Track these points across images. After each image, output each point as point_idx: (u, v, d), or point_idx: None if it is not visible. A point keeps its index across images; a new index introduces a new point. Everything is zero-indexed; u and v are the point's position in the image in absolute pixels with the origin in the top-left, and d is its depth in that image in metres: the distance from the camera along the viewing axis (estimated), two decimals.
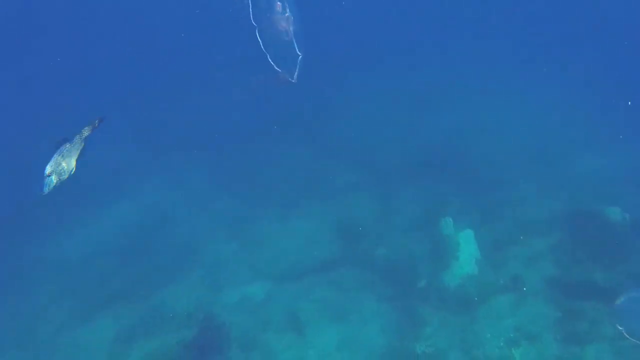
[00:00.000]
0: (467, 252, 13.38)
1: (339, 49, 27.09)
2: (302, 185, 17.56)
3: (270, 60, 10.66)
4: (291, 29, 10.37)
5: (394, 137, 19.66)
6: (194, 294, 13.54)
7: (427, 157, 18.11)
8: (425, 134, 19.79)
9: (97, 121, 5.32)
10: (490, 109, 21.48)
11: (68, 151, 5.01)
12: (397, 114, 21.29)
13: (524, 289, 12.64)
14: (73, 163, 5.12)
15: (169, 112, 23.63)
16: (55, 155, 5.00)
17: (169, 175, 19.36)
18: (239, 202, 17.13)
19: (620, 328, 10.79)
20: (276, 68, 10.68)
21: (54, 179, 5.06)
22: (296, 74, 10.68)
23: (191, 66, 27.88)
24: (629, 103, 20.27)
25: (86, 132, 5.18)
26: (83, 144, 5.16)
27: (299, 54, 10.64)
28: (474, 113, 21.17)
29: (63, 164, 5.01)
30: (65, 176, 5.16)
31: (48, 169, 5.06)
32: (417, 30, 31.10)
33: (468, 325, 12.13)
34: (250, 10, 10.43)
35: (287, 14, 10.34)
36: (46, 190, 5.17)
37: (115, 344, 12.35)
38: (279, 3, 10.46)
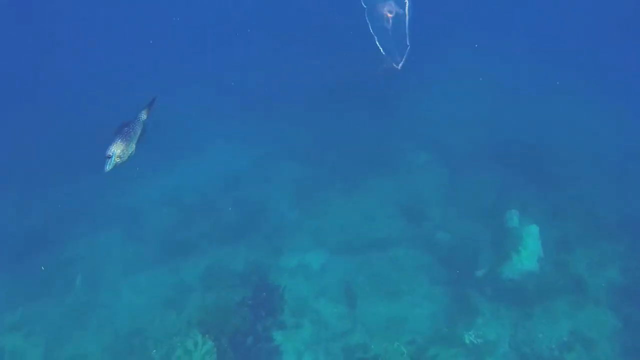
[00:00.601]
0: (529, 247, 13.12)
1: (437, 31, 26.54)
2: (370, 160, 17.56)
3: (377, 43, 10.73)
4: (405, 19, 10.39)
5: (470, 123, 19.31)
6: (253, 255, 13.91)
7: (501, 146, 17.73)
8: (502, 124, 19.35)
9: (151, 103, 5.52)
10: (575, 105, 20.72)
11: (127, 135, 5.27)
12: (477, 101, 20.83)
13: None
14: (133, 146, 5.38)
15: (252, 75, 23.94)
16: (116, 138, 5.26)
17: (240, 137, 19.72)
18: (307, 171, 17.34)
19: None
20: (382, 52, 10.75)
21: (114, 159, 5.32)
22: (402, 63, 10.74)
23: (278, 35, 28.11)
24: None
25: (143, 115, 5.42)
26: (142, 126, 5.39)
27: (408, 45, 10.67)
28: (556, 108, 20.48)
29: (123, 147, 5.26)
30: (126, 157, 5.42)
31: (109, 151, 5.33)
32: (512, 26, 30.17)
33: (521, 321, 11.99)
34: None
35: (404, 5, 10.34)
36: (107, 168, 5.41)
37: (173, 292, 12.90)
38: None
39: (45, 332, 11.71)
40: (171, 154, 18.82)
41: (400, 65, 10.59)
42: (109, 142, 5.16)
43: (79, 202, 17.03)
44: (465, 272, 13.30)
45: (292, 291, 12.71)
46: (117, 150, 5.29)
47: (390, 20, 10.59)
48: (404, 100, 21.06)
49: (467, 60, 25.25)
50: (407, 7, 10.56)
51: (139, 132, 5.40)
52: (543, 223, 13.91)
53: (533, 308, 12.18)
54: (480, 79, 22.40)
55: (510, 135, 18.43)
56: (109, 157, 5.34)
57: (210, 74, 25.07)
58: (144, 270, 13.96)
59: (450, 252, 14.02)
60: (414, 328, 12.22)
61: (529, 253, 13.01)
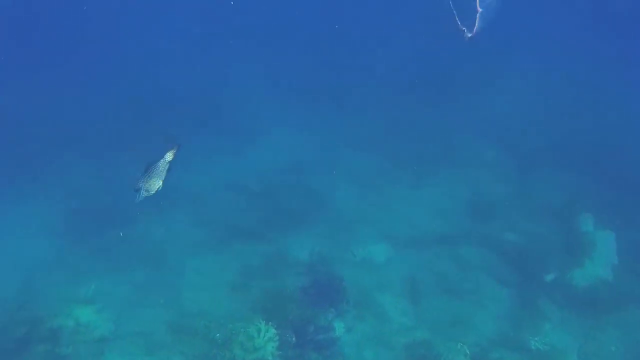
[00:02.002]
0: (604, 254, 12.63)
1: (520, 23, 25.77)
2: (439, 154, 17.27)
3: (452, 7, 10.50)
4: None
5: (545, 119, 18.65)
6: (317, 245, 13.90)
7: (578, 146, 17.07)
8: (581, 122, 18.61)
9: (176, 147, 5.95)
10: None
11: (154, 173, 5.84)
12: (555, 98, 20.05)
13: None
14: (160, 183, 5.93)
15: (320, 61, 23.87)
16: (144, 175, 5.86)
17: (307, 125, 19.73)
18: (374, 163, 17.21)
19: None
20: (457, 20, 10.51)
21: (143, 193, 5.91)
22: (475, 29, 10.45)
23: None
24: None
25: (169, 156, 5.84)
26: (168, 166, 5.83)
27: (479, 9, 10.37)
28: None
29: (150, 183, 5.85)
30: (153, 192, 5.99)
31: (137, 186, 5.93)
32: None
33: (592, 331, 11.57)
34: None
35: None
36: (137, 200, 6.07)
37: (237, 276, 13.03)
38: None
39: (115, 308, 12.04)
40: (236, 138, 19.01)
41: (474, 31, 10.27)
42: (138, 178, 5.75)
43: None
44: (534, 275, 12.95)
45: (356, 283, 12.67)
46: (145, 185, 5.90)
47: None
48: (474, 92, 20.54)
49: (545, 50, 24.28)
50: None
51: (164, 171, 5.93)
52: (619, 229, 13.37)
53: (606, 318, 11.73)
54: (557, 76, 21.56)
55: (589, 135, 17.72)
56: (138, 190, 5.95)
57: (278, 59, 25.07)
58: (209, 254, 14.12)
59: (519, 254, 13.67)
60: (478, 329, 11.98)
61: (602, 260, 12.53)
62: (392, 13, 28.19)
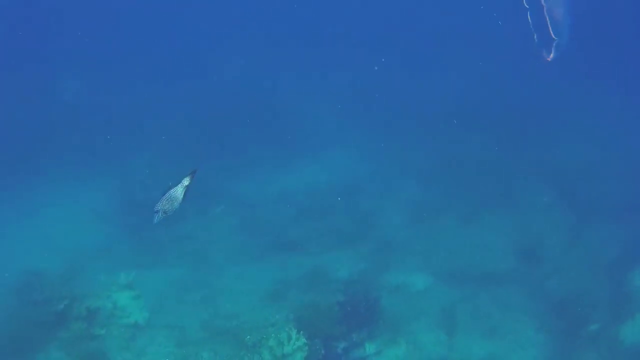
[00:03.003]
0: None
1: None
2: (492, 191, 16.93)
3: (535, 37, 10.54)
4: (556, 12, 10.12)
5: (608, 168, 18.03)
6: (359, 265, 13.86)
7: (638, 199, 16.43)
8: None
9: (192, 173, 6.55)
10: None
11: (172, 196, 6.25)
12: (620, 145, 19.34)
13: None
14: (176, 205, 6.33)
15: (381, 86, 23.90)
16: (162, 198, 6.26)
17: (362, 147, 19.76)
18: (425, 192, 17.06)
19: None
20: (535, 39, 10.55)
21: (161, 214, 6.29)
22: (551, 55, 10.46)
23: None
24: None
25: (186, 181, 6.32)
26: (184, 190, 6.29)
27: (555, 38, 10.37)
28: None
29: (168, 205, 6.25)
30: (171, 212, 6.42)
31: (156, 207, 6.32)
32: None
33: None
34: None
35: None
36: (155, 221, 6.42)
37: (275, 285, 13.09)
38: None
39: (152, 298, 12.27)
40: (292, 152, 19.23)
41: (551, 56, 10.25)
42: (157, 200, 6.21)
43: (202, 183, 17.68)
44: (577, 324, 12.45)
45: (393, 308, 12.52)
46: (163, 207, 6.31)
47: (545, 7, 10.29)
48: (543, 131, 20.11)
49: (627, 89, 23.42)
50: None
51: (181, 195, 6.34)
52: None
53: None
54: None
55: None
56: (157, 212, 6.35)
57: (341, 79, 25.22)
58: (250, 260, 14.32)
59: (562, 302, 13.21)
60: None
61: None
62: (461, 31, 27.98)
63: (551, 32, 10.47)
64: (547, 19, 10.42)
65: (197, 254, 14.64)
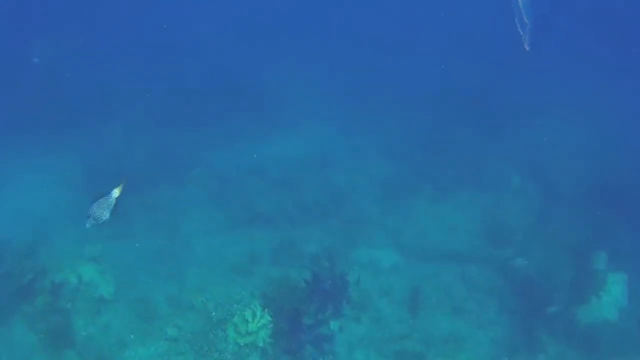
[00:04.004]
0: (613, 294, 12.41)
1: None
2: (464, 173, 17.05)
3: (517, 23, 10.52)
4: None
5: (577, 152, 18.22)
6: (327, 240, 13.94)
7: (606, 183, 16.64)
8: (614, 158, 18.16)
9: (123, 183, 6.69)
10: None
11: (102, 204, 6.58)
12: (592, 128, 19.51)
13: None
14: (107, 214, 6.65)
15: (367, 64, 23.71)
16: (93, 205, 6.59)
17: (339, 122, 19.67)
18: (398, 170, 17.11)
19: None
20: (520, 32, 10.52)
21: (91, 220, 6.65)
22: (526, 42, 10.46)
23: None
24: None
25: (116, 192, 6.64)
26: (115, 201, 6.61)
27: (527, 22, 10.36)
28: None
29: (98, 213, 6.58)
30: (101, 221, 6.72)
31: (88, 212, 6.65)
32: None
33: None
34: None
35: None
36: (87, 226, 6.74)
37: (243, 260, 13.11)
38: None
39: (119, 271, 12.22)
40: (267, 125, 19.05)
41: (526, 45, 10.29)
42: (88, 207, 6.53)
43: (174, 154, 17.56)
44: (537, 305, 12.77)
45: (358, 284, 12.65)
46: (94, 213, 6.63)
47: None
48: (516, 115, 20.18)
49: (597, 80, 23.57)
50: None
51: (111, 205, 6.63)
52: (633, 272, 13.13)
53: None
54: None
55: (620, 172, 17.30)
56: (88, 217, 6.66)
57: (320, 54, 25.01)
58: (219, 233, 14.28)
59: (526, 282, 13.51)
60: (473, 350, 11.92)
61: (610, 300, 12.31)
62: (445, 17, 27.78)
63: (524, 17, 10.44)
64: (520, 4, 10.38)
65: (167, 225, 14.53)
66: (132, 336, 10.79)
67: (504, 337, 12.25)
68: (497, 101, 20.84)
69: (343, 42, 25.61)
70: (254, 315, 10.66)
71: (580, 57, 24.37)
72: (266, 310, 10.75)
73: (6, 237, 12.24)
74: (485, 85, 21.67)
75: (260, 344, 10.57)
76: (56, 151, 16.81)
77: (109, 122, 18.61)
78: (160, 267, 12.87)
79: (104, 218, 6.84)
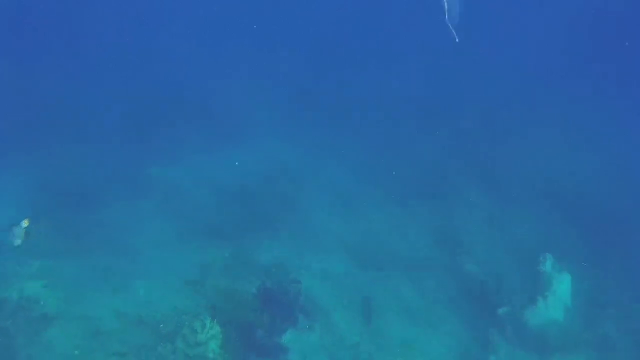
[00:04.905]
0: (558, 295, 12.70)
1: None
2: (418, 180, 17.29)
3: (446, 15, 10.68)
4: None
5: (528, 161, 18.71)
6: (278, 250, 13.86)
7: (556, 190, 17.15)
8: (563, 168, 18.71)
9: (29, 219, 7.05)
10: None
11: (15, 232, 7.32)
12: (541, 138, 20.08)
13: None
14: (19, 241, 7.40)
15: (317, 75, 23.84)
16: (8, 230, 7.32)
17: (292, 133, 19.68)
18: (352, 179, 17.24)
19: None
20: (448, 24, 10.69)
21: (9, 242, 7.48)
22: (455, 34, 10.63)
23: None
24: None
25: (24, 223, 7.39)
26: (25, 230, 7.38)
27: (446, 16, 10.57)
28: (628, 161, 19.64)
29: (13, 238, 7.31)
30: (15, 246, 7.56)
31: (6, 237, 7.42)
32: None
33: None
34: None
35: None
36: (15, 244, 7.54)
37: (193, 271, 12.88)
38: None
39: (65, 287, 11.85)
40: (221, 139, 18.95)
41: (455, 37, 10.47)
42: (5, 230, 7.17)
43: (125, 169, 17.28)
44: (488, 307, 12.97)
45: (311, 292, 12.63)
46: (9, 238, 7.40)
47: None
48: (471, 130, 20.58)
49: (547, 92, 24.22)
50: None
51: (22, 233, 7.29)
52: (578, 274, 13.47)
53: (551, 357, 11.76)
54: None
55: (571, 179, 17.83)
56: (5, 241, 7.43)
57: (274, 63, 25.01)
58: (169, 246, 14.05)
59: (477, 286, 13.75)
60: (425, 353, 11.97)
61: (556, 300, 12.59)
62: (406, 31, 28.28)
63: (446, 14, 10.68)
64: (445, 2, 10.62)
65: (116, 240, 14.23)
66: (76, 352, 10.45)
67: (457, 339, 12.35)
68: (456, 114, 21.29)
69: (296, 54, 25.76)
70: (203, 326, 10.50)
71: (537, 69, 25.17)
72: (215, 320, 10.60)
73: None
74: (446, 98, 22.18)
75: (210, 355, 10.39)
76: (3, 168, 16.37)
77: (54, 139, 18.19)
78: (107, 282, 12.53)
79: (16, 245, 7.21)
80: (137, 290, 12.17)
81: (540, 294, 12.65)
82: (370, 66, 25.40)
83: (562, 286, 12.73)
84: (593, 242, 15.39)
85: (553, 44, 28.81)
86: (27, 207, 14.19)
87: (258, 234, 14.44)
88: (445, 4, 10.36)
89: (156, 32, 27.64)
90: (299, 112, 20.88)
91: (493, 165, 18.66)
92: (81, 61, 23.57)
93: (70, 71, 22.42)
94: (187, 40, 26.91)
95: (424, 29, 26.37)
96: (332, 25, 29.62)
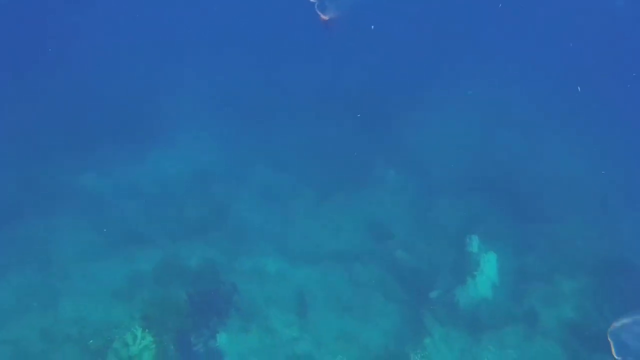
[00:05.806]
0: (485, 274, 13.10)
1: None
2: (344, 174, 17.39)
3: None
4: None
5: (453, 145, 19.10)
6: (209, 253, 13.68)
7: (478, 172, 17.61)
8: (483, 150, 19.22)
9: None
10: (563, 143, 20.55)
11: None
12: (465, 122, 20.52)
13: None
14: None
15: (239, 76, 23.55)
16: None
17: (216, 134, 19.39)
18: (278, 177, 17.15)
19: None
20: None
21: None
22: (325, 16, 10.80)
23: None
24: None
25: None
26: None
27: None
28: (547, 140, 20.34)
29: None
30: None
31: None
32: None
33: (469, 346, 11.92)
34: None
35: None
36: None
37: (123, 283, 12.60)
38: None
39: None
40: (142, 144, 18.42)
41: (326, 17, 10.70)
42: None
43: (46, 182, 16.61)
44: (420, 292, 13.24)
45: (244, 294, 12.55)
46: None
47: None
48: (392, 116, 20.81)
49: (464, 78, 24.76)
50: None
51: None
52: (503, 252, 13.92)
53: (482, 334, 12.11)
54: (470, 93, 21.88)
55: (493, 163, 18.35)
56: None
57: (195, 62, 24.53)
58: (97, 258, 13.67)
59: (409, 272, 13.96)
60: (363, 343, 12.11)
61: (484, 280, 12.98)
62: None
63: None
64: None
65: (36, 256, 13.71)
66: None
67: (393, 326, 12.55)
68: (374, 103, 21.46)
69: (218, 52, 25.36)
70: (134, 337, 10.26)
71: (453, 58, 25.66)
72: (147, 331, 10.36)
73: None
74: (362, 86, 22.32)
75: None
76: None
77: None
78: (31, 301, 12.12)
79: None
80: (63, 307, 11.84)
81: (469, 275, 13.01)
82: (291, 61, 25.26)
83: (488, 265, 13.13)
84: (514, 220, 15.88)
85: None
86: None
87: (189, 239, 14.21)
88: None
89: (75, 35, 26.63)
90: (225, 113, 20.59)
91: (412, 149, 18.96)
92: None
93: None
94: (105, 45, 26.02)
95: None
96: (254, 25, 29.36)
